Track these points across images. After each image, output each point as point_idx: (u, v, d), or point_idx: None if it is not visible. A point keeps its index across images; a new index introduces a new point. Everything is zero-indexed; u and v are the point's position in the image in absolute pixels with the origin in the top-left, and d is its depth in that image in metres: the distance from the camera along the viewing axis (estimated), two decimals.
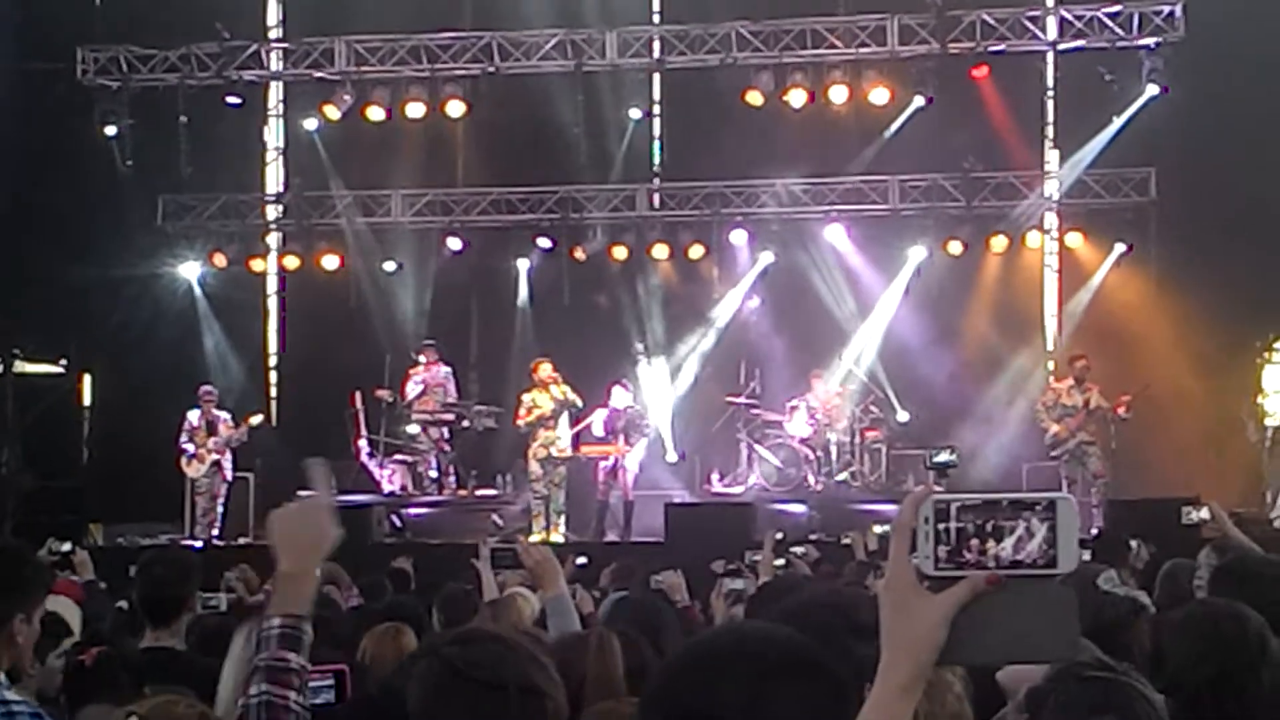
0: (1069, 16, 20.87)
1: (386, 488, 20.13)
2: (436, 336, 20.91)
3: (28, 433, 21.40)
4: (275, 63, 22.45)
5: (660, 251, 21.97)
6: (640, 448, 19.32)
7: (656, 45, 21.83)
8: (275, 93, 23.20)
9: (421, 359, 20.31)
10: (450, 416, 20.28)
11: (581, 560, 11.59)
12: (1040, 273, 22.19)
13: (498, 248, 22.44)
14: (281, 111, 23.19)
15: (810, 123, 21.44)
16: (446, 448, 20.40)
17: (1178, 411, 19.26)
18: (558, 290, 21.95)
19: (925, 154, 21.27)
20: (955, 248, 21.30)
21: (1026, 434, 19.70)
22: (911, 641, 1.98)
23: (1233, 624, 4.21)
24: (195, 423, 19.58)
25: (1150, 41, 20.29)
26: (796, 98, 21.00)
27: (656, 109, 22.77)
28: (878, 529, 13.69)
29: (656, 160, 22.92)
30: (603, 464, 19.02)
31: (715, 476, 20.32)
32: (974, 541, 1.95)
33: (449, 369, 20.46)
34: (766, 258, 21.79)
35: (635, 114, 22.02)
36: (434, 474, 20.24)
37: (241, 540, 19.37)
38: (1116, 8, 20.45)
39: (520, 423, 18.97)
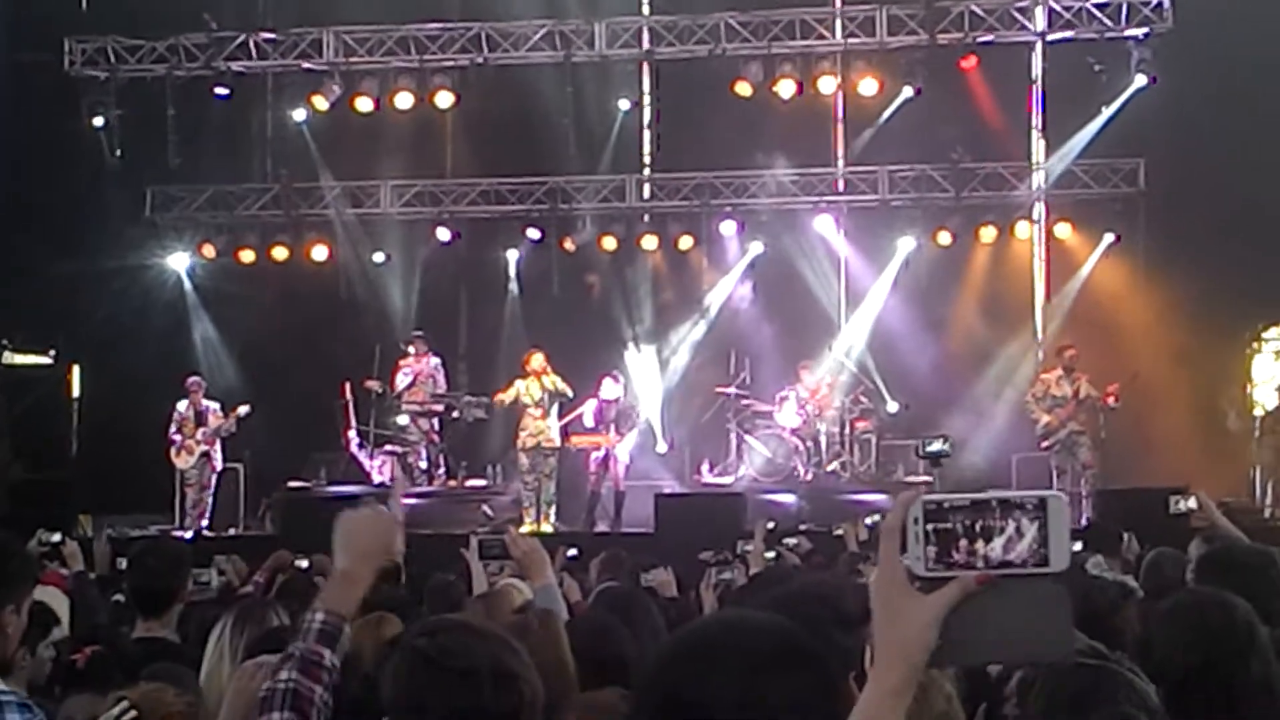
0: (1057, 7, 20.88)
1: (376, 479, 20.10)
2: (426, 327, 20.90)
3: (16, 424, 21.36)
4: (263, 54, 22.42)
5: (650, 242, 21.97)
6: (631, 438, 19.32)
7: (645, 36, 21.82)
8: (263, 83, 23.13)
9: (411, 350, 20.28)
10: (440, 407, 20.27)
11: (572, 552, 11.56)
12: (1029, 263, 22.21)
13: (487, 238, 22.45)
14: (270, 102, 23.12)
15: (799, 113, 21.45)
16: (436, 439, 20.39)
17: (1165, 401, 19.29)
18: (547, 281, 21.96)
19: (914, 145, 21.28)
20: (944, 238, 21.34)
21: (1015, 424, 19.72)
22: (903, 643, 1.97)
23: (1220, 613, 4.19)
24: (184, 413, 19.56)
25: (1139, 32, 20.32)
26: (785, 88, 21.01)
27: (646, 100, 22.74)
28: (869, 519, 13.69)
29: (646, 151, 22.90)
30: (594, 455, 19.03)
31: (705, 467, 20.34)
32: (964, 541, 1.94)
33: (438, 360, 20.44)
34: (756, 248, 21.80)
35: (624, 105, 22.01)
36: (424, 465, 20.22)
37: (231, 531, 19.40)
38: None
39: (499, 397, 18.97)
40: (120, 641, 5.68)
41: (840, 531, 13.30)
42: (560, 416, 19.05)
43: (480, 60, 21.66)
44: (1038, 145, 22.04)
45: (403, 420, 20.25)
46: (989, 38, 20.95)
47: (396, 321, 21.81)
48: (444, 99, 21.57)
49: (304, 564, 10.24)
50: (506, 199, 22.26)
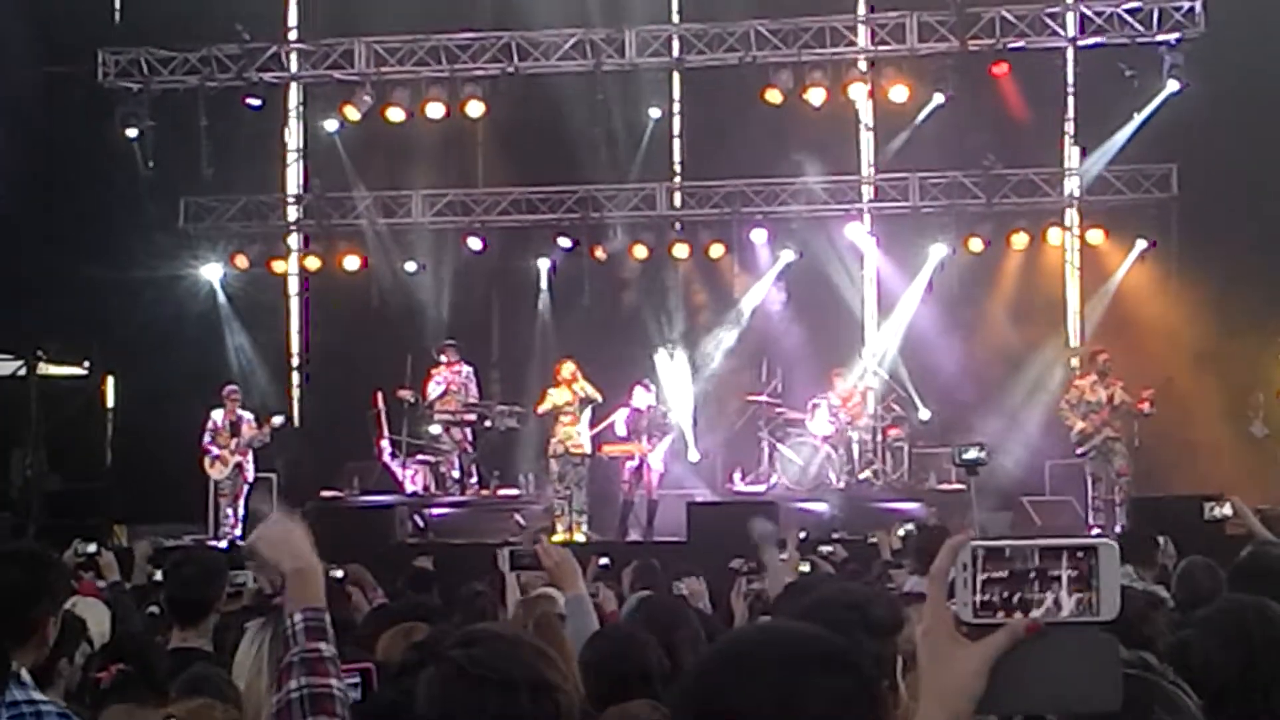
0: (1089, 13, 20.82)
1: (409, 488, 20.15)
2: (457, 336, 20.91)
3: (52, 435, 21.47)
4: (295, 64, 22.50)
5: (681, 250, 21.95)
6: (663, 446, 19.32)
7: (675, 44, 21.84)
8: (295, 94, 23.23)
9: (443, 359, 20.32)
10: (472, 416, 20.29)
11: (604, 561, 11.58)
12: (1061, 269, 22.13)
13: (518, 247, 22.47)
14: (302, 113, 23.22)
15: (829, 121, 21.42)
16: (469, 448, 20.41)
17: (1199, 407, 19.19)
18: (578, 290, 21.97)
19: (945, 151, 21.23)
20: (976, 245, 21.27)
21: (1049, 431, 19.65)
22: (949, 690, 1.94)
23: (1260, 620, 4.14)
24: (219, 423, 19.62)
25: (1170, 37, 20.23)
26: (816, 96, 20.99)
27: (676, 108, 22.76)
28: (902, 529, 13.67)
29: (676, 159, 22.91)
30: (628, 464, 19.04)
31: (737, 475, 20.31)
32: (1015, 585, 1.90)
33: (470, 369, 20.47)
34: (787, 256, 21.75)
35: (655, 113, 22.03)
36: (456, 474, 20.25)
37: None
38: (1137, 3, 20.41)
39: (539, 410, 19.04)
40: (152, 654, 5.69)
41: (874, 539, 13.30)
42: (592, 425, 19.07)
43: (511, 69, 21.70)
44: (1070, 151, 21.96)
45: (435, 429, 20.28)
46: (1020, 44, 20.90)
47: (428, 331, 21.83)
48: (475, 108, 21.62)
49: (338, 574, 10.25)
50: (537, 208, 22.29)
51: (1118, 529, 16.32)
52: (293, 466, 20.47)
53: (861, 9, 21.62)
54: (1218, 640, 4.07)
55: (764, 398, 20.34)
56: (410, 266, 22.43)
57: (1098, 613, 1.90)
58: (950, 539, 1.98)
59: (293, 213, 23.08)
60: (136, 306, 21.10)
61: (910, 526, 13.95)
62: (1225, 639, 4.06)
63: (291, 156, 23.53)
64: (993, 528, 16.18)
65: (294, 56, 22.48)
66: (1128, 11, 20.47)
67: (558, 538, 17.30)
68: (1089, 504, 18.54)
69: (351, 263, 22.38)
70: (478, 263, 22.44)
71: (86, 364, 22.58)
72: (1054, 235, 21.60)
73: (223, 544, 18.43)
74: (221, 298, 22.58)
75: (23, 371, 21.50)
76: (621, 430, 19.15)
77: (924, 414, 20.48)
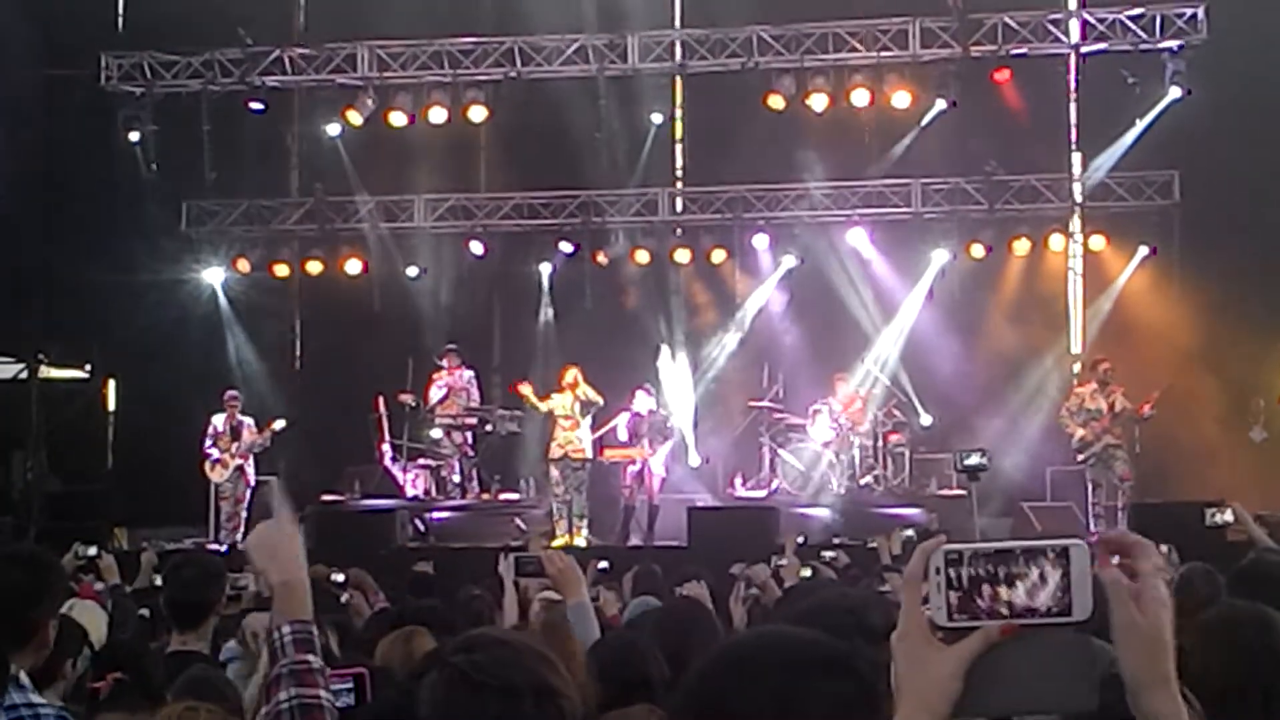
0: (1091, 19, 20.83)
1: (410, 492, 20.15)
2: (459, 341, 20.92)
3: (53, 438, 21.49)
4: (297, 68, 22.52)
5: (682, 255, 21.97)
6: (664, 451, 19.31)
7: (678, 49, 21.83)
8: (297, 98, 23.25)
9: (444, 363, 20.33)
10: (473, 421, 20.30)
11: (603, 564, 11.58)
12: (1063, 276, 22.14)
13: (520, 252, 22.49)
14: (304, 117, 23.23)
15: (832, 126, 21.43)
16: (469, 452, 20.42)
17: (1201, 414, 19.19)
18: (580, 294, 21.99)
19: (947, 157, 21.25)
20: (978, 251, 21.28)
21: (1049, 438, 19.65)
22: (925, 694, 1.94)
23: (1257, 628, 4.11)
24: (220, 427, 19.63)
25: (1173, 44, 20.24)
26: (818, 101, 21.01)
27: (678, 113, 22.78)
28: (903, 533, 13.66)
29: (678, 164, 22.93)
30: (630, 468, 19.04)
31: (738, 480, 20.31)
32: (986, 588, 1.92)
33: (472, 373, 20.48)
34: (789, 261, 21.77)
35: (657, 118, 22.03)
36: (457, 478, 20.25)
37: None
38: (1139, 10, 20.41)
39: (539, 403, 19.05)
40: (147, 659, 5.69)
41: (875, 544, 13.29)
42: (593, 429, 19.08)
43: (513, 74, 21.72)
44: (1072, 157, 21.97)
45: (436, 434, 20.29)
46: (1022, 50, 20.90)
47: (430, 335, 21.83)
48: (477, 113, 21.64)
49: (339, 577, 10.26)
50: (539, 213, 22.30)
51: None
52: (293, 471, 20.46)
53: (864, 15, 21.60)
54: (1216, 647, 4.05)
55: (765, 403, 20.35)
56: (412, 271, 22.44)
57: (1071, 613, 1.90)
58: (923, 544, 1.99)
59: (295, 217, 23.09)
60: (138, 310, 21.11)
61: (910, 532, 13.92)
62: (1224, 646, 4.04)
63: (293, 161, 23.56)
64: (993, 534, 16.16)
65: (297, 61, 22.49)
66: (1130, 18, 20.48)
67: (558, 542, 17.32)
68: (1090, 510, 18.54)
69: (353, 267, 22.40)
70: (479, 267, 22.46)
71: (88, 367, 22.59)
72: (1056, 241, 21.60)
73: (223, 547, 18.44)
74: (223, 301, 22.60)
75: (24, 374, 21.52)
76: (623, 435, 19.15)
77: (925, 419, 20.49)
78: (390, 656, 5.70)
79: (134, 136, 21.81)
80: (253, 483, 19.73)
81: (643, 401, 19.17)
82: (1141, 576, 1.96)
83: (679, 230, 22.30)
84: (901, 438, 20.10)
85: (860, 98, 21.08)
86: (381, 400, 20.34)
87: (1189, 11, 20.19)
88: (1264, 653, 4.02)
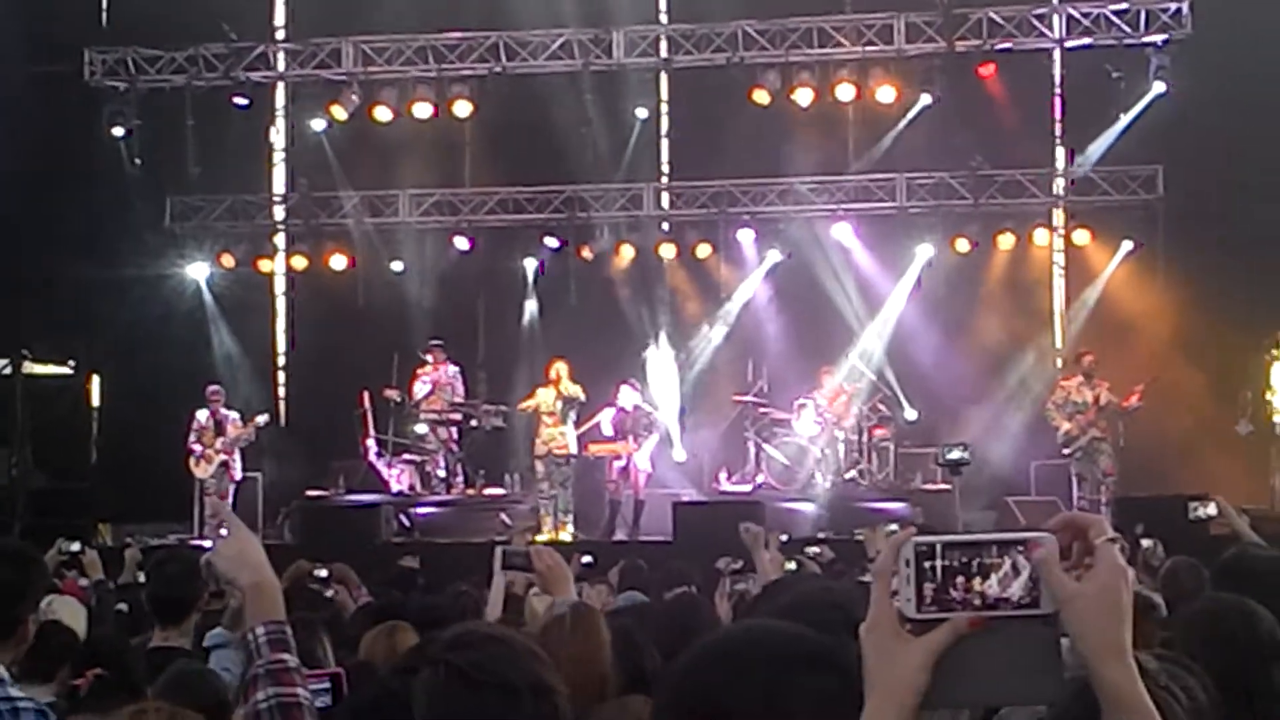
0: (1075, 14, 20.86)
1: (395, 487, 20.14)
2: (444, 336, 20.88)
3: (37, 434, 21.42)
4: (282, 63, 22.47)
5: (668, 250, 21.97)
6: (649, 446, 19.30)
7: (663, 44, 21.84)
8: (282, 93, 23.20)
9: (429, 358, 20.30)
10: (458, 416, 20.29)
11: (587, 559, 11.59)
12: (1048, 270, 22.18)
13: (505, 247, 22.46)
14: (289, 112, 23.19)
15: (817, 121, 21.45)
16: (454, 447, 20.41)
17: (1185, 408, 19.23)
18: (565, 289, 21.97)
19: (932, 152, 21.26)
20: (963, 245, 21.31)
21: (1034, 431, 19.69)
22: (893, 686, 1.95)
23: (1243, 621, 4.11)
24: (203, 423, 19.60)
25: (1157, 39, 20.29)
26: (803, 96, 21.04)
27: (663, 108, 22.77)
28: (887, 528, 13.67)
29: (663, 159, 22.91)
30: (615, 463, 19.03)
31: (723, 475, 20.31)
32: (958, 579, 1.93)
33: (457, 368, 20.46)
34: (774, 256, 21.77)
35: (642, 113, 22.01)
36: (442, 473, 20.24)
37: None
38: (1123, 5, 20.46)
39: (521, 405, 19.08)
40: (128, 655, 5.67)
41: (861, 537, 13.29)
42: (577, 425, 19.06)
43: (498, 69, 21.71)
44: (1056, 152, 22.00)
45: (421, 429, 20.27)
46: (1007, 45, 20.93)
47: (415, 330, 21.78)
48: (462, 108, 21.63)
49: (323, 573, 10.25)
50: (524, 208, 22.28)
51: None
52: (277, 466, 20.45)
53: (849, 10, 21.60)
54: (1200, 641, 4.05)
55: (750, 398, 20.35)
56: (397, 266, 22.41)
57: (1039, 606, 1.91)
58: (893, 536, 1.99)
59: (279, 212, 23.06)
60: (122, 305, 21.07)
61: (895, 526, 13.92)
62: (1208, 639, 4.04)
63: (278, 156, 23.52)
64: (978, 528, 16.18)
65: (281, 56, 22.45)
66: (1114, 13, 20.52)
67: (543, 537, 17.31)
68: (1074, 504, 18.55)
69: (338, 262, 22.37)
70: (464, 262, 22.43)
71: (72, 363, 22.52)
72: (1040, 236, 21.64)
73: (207, 543, 18.40)
74: (208, 297, 22.54)
75: (8, 370, 21.43)
76: (608, 430, 19.14)
77: (910, 414, 20.50)
78: (374, 651, 5.70)
79: (118, 132, 21.78)
80: (239, 478, 19.72)
81: (628, 396, 19.16)
82: (1097, 548, 1.97)
83: (664, 225, 22.28)
84: (886, 432, 20.12)
85: (845, 92, 21.11)
86: (366, 395, 20.31)
87: (1173, 6, 20.24)
88: (1249, 646, 4.02)
